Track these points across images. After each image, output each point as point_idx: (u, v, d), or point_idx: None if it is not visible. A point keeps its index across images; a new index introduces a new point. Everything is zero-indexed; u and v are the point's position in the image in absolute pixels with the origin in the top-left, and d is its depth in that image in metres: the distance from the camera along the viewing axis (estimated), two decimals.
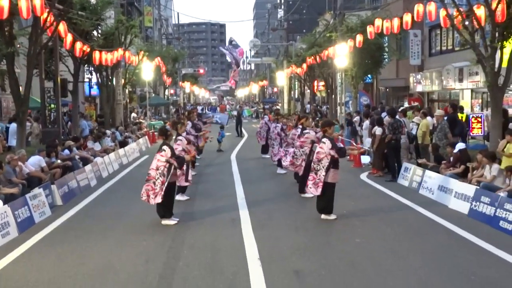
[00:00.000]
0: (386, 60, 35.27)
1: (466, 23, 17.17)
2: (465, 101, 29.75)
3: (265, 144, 24.15)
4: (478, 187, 12.96)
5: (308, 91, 56.46)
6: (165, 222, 12.31)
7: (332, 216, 12.44)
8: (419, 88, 34.62)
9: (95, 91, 38.68)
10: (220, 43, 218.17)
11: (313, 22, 74.40)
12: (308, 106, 54.48)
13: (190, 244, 10.68)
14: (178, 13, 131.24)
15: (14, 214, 11.86)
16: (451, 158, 15.62)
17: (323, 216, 12.49)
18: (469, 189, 13.00)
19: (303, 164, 14.93)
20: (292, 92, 59.95)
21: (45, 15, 17.93)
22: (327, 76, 42.96)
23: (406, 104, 35.02)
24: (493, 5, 15.41)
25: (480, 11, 16.00)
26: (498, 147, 14.26)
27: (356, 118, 26.36)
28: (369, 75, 38.09)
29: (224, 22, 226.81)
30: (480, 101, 29.05)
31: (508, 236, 10.88)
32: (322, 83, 48.98)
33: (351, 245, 10.43)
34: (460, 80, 28.19)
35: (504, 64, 16.66)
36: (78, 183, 16.93)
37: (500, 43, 16.06)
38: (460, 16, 16.73)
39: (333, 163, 12.26)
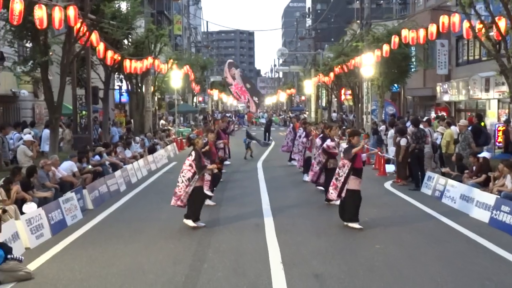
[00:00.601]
0: (412, 69, 35.43)
1: (492, 33, 17.33)
2: (492, 111, 29.77)
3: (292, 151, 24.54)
4: (499, 196, 13.16)
5: (335, 99, 56.63)
6: (186, 221, 12.73)
7: (356, 226, 12.66)
8: (446, 98, 34.69)
9: (124, 98, 39.36)
10: (248, 50, 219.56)
11: (341, 30, 74.52)
12: (334, 114, 54.64)
13: (215, 247, 11.09)
14: (207, 21, 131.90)
15: (48, 216, 12.38)
16: (474, 168, 15.82)
17: (345, 223, 12.79)
18: (490, 198, 13.22)
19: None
20: (319, 101, 60.15)
21: (78, 25, 18.46)
22: (353, 85, 43.14)
23: (433, 114, 35.11)
24: None
25: (502, 23, 16.23)
26: None
27: (382, 127, 26.59)
28: (396, 85, 38.20)
29: (253, 31, 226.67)
30: (507, 111, 29.01)
31: None
32: (349, 92, 49.14)
33: (371, 250, 10.74)
34: (487, 90, 28.23)
35: None
36: (108, 188, 17.45)
37: None
38: (484, 27, 16.95)
39: (354, 171, 12.57)
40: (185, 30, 73.22)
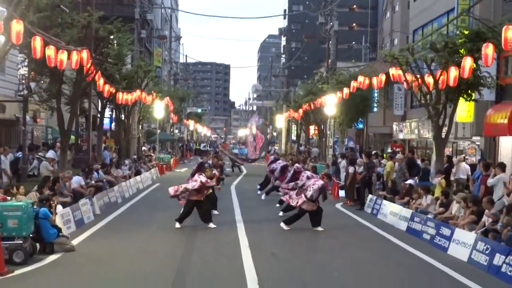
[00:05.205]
0: (374, 109, 39.92)
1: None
2: None
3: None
4: (414, 211, 17.40)
5: (303, 134, 60.78)
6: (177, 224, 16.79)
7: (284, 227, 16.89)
8: (401, 136, 39.11)
9: (107, 125, 42.95)
10: (224, 83, 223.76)
11: (313, 67, 79.25)
12: (302, 148, 58.66)
13: (200, 237, 15.34)
14: (186, 55, 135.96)
15: (73, 214, 16.32)
16: (403, 191, 20.09)
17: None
18: (408, 213, 17.50)
19: None
20: (290, 134, 64.31)
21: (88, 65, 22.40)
22: (319, 121, 47.27)
23: (389, 150, 39.50)
24: (437, 76, 20.06)
25: (430, 79, 20.67)
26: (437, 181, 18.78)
27: (340, 160, 30.81)
28: (359, 122, 42.46)
29: (229, 65, 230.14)
30: (450, 149, 33.35)
31: (425, 242, 15.41)
32: (316, 127, 53.34)
33: (314, 242, 15.23)
34: (432, 131, 32.58)
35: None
36: (110, 199, 21.43)
37: (442, 104, 20.68)
38: (417, 81, 21.33)
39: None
40: (165, 63, 77.18)
